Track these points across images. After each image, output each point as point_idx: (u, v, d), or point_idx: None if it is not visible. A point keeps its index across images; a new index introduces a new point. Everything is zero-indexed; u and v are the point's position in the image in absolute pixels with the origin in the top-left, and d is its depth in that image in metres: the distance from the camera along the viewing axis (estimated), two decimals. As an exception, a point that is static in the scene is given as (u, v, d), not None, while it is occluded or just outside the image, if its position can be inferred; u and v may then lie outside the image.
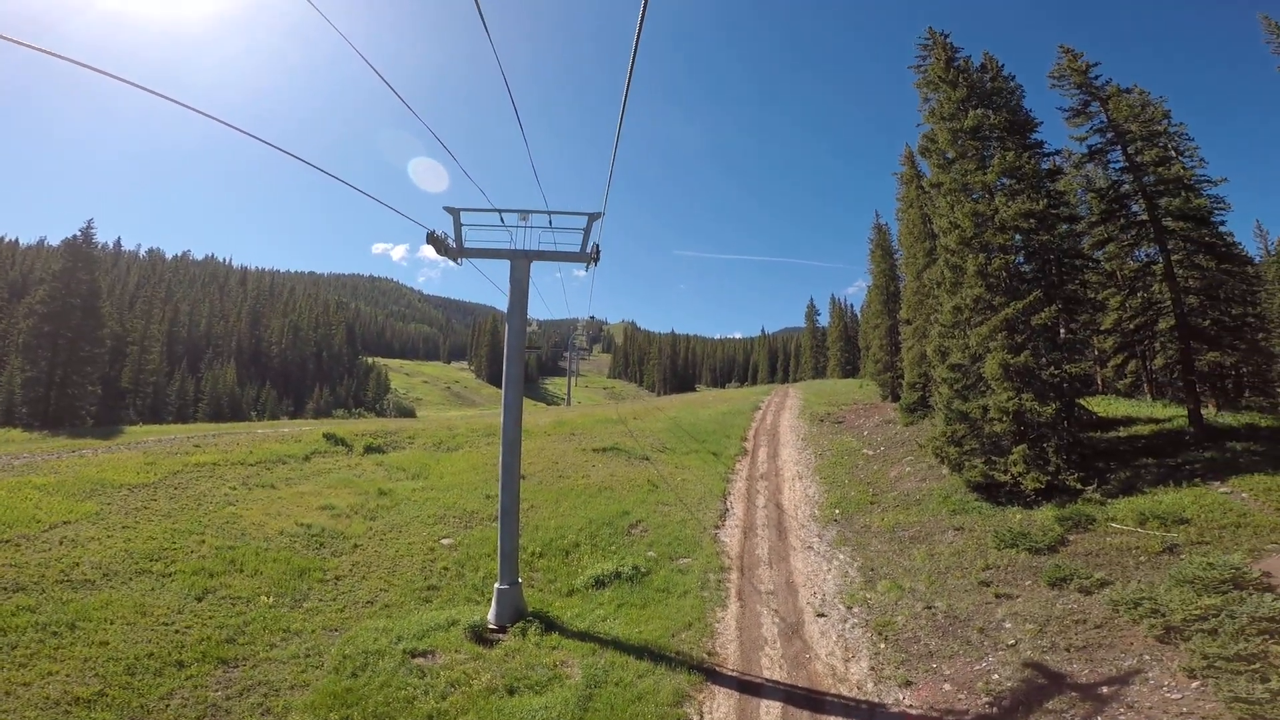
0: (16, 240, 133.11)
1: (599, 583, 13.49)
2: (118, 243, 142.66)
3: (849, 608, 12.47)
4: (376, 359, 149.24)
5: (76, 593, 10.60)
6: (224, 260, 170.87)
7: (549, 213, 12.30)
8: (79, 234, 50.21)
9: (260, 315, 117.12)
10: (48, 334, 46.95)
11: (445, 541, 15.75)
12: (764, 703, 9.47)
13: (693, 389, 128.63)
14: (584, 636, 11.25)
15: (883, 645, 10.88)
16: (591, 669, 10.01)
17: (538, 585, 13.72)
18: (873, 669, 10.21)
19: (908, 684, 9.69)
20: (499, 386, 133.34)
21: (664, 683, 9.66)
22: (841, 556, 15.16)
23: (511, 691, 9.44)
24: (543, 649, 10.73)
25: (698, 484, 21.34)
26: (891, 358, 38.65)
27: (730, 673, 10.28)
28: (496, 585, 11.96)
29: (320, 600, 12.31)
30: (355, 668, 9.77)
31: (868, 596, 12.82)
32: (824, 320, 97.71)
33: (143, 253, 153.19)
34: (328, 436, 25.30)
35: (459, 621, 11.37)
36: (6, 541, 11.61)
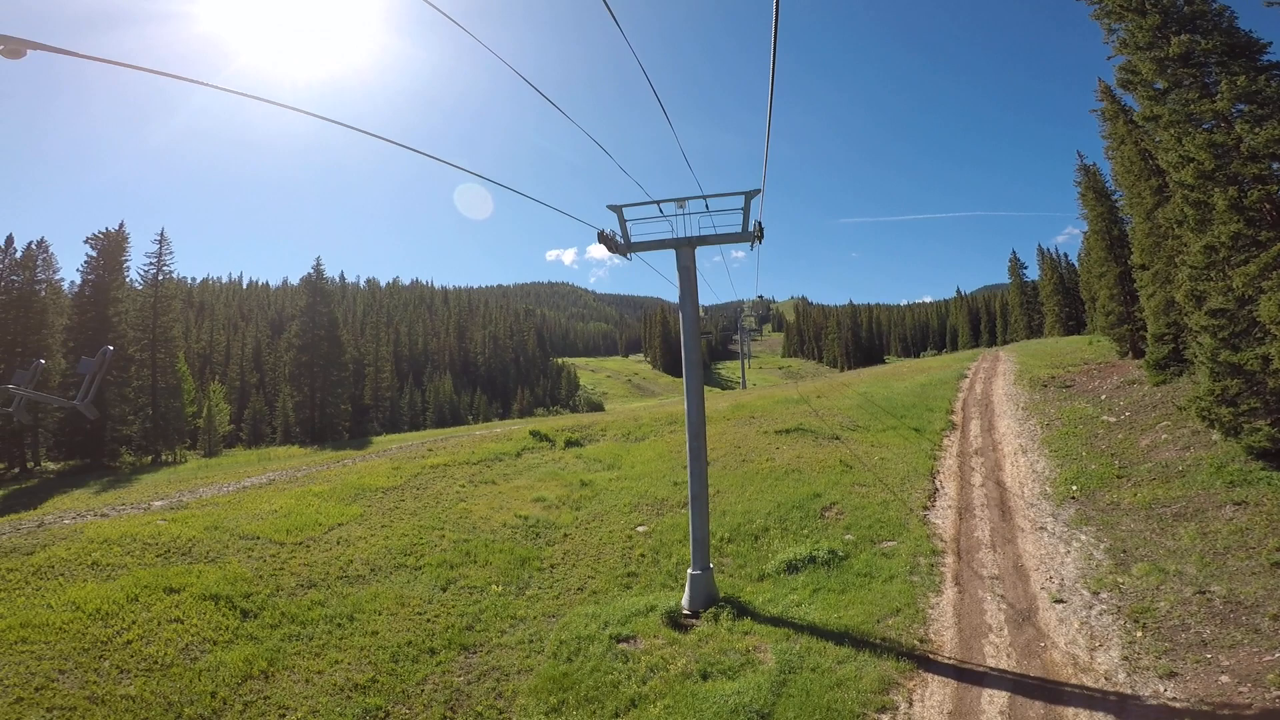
0: (267, 283, 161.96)
1: (791, 567, 13.22)
2: (341, 276, 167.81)
3: (1094, 593, 10.96)
4: (564, 359, 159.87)
5: (352, 587, 12.46)
6: (428, 283, 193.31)
7: (704, 197, 12.26)
8: (312, 271, 59.65)
9: (465, 329, 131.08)
10: (305, 363, 56.66)
11: (641, 529, 16.34)
12: (987, 692, 8.67)
13: (880, 361, 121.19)
14: (777, 622, 11.10)
15: (1139, 633, 9.43)
16: (785, 654, 9.86)
17: (728, 570, 13.76)
18: (1126, 658, 8.90)
19: (1171, 675, 8.30)
20: (675, 375, 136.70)
21: (867, 669, 9.23)
22: (1083, 537, 13.36)
23: (705, 676, 9.56)
24: (735, 634, 10.76)
25: (899, 463, 20.02)
26: (1126, 308, 33.13)
27: (946, 660, 9.55)
28: (689, 571, 12.15)
29: (539, 588, 13.36)
30: (570, 653, 10.42)
31: (1119, 581, 11.17)
32: (1032, 273, 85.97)
33: (362, 283, 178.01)
34: (533, 434, 27.62)
35: (656, 607, 11.72)
36: (299, 544, 14.05)
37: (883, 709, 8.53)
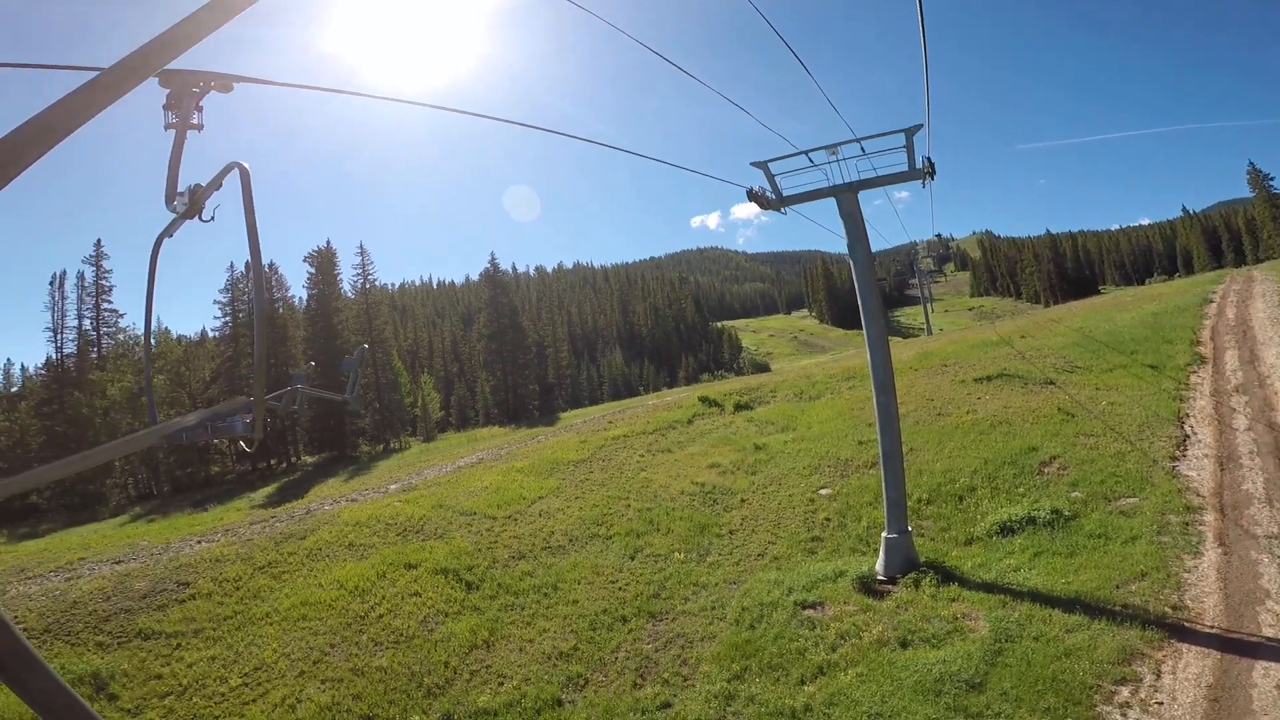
0: (453, 281, 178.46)
1: (1005, 529, 12.02)
2: (513, 267, 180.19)
3: None
4: (723, 322, 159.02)
5: (554, 557, 13.36)
6: (588, 264, 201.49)
7: (859, 140, 11.42)
8: (489, 266, 64.71)
9: (627, 303, 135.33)
10: (495, 350, 62.10)
11: (823, 492, 15.80)
12: (1261, 664, 7.31)
13: (1094, 292, 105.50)
14: (990, 588, 10.19)
15: None
16: (1001, 622, 9.02)
17: (928, 534, 12.85)
18: None
19: None
20: (845, 328, 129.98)
21: (1103, 639, 8.15)
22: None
23: (905, 644, 9.03)
24: (939, 601, 10.04)
25: (1134, 407, 17.26)
26: None
27: (1208, 629, 8.20)
28: (884, 535, 11.57)
29: (719, 554, 13.40)
30: (752, 619, 10.33)
31: None
32: (1280, 184, 70.98)
33: (531, 271, 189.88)
34: (702, 399, 27.82)
35: (846, 572, 11.28)
36: (509, 517, 15.44)
37: (1122, 680, 7.53)
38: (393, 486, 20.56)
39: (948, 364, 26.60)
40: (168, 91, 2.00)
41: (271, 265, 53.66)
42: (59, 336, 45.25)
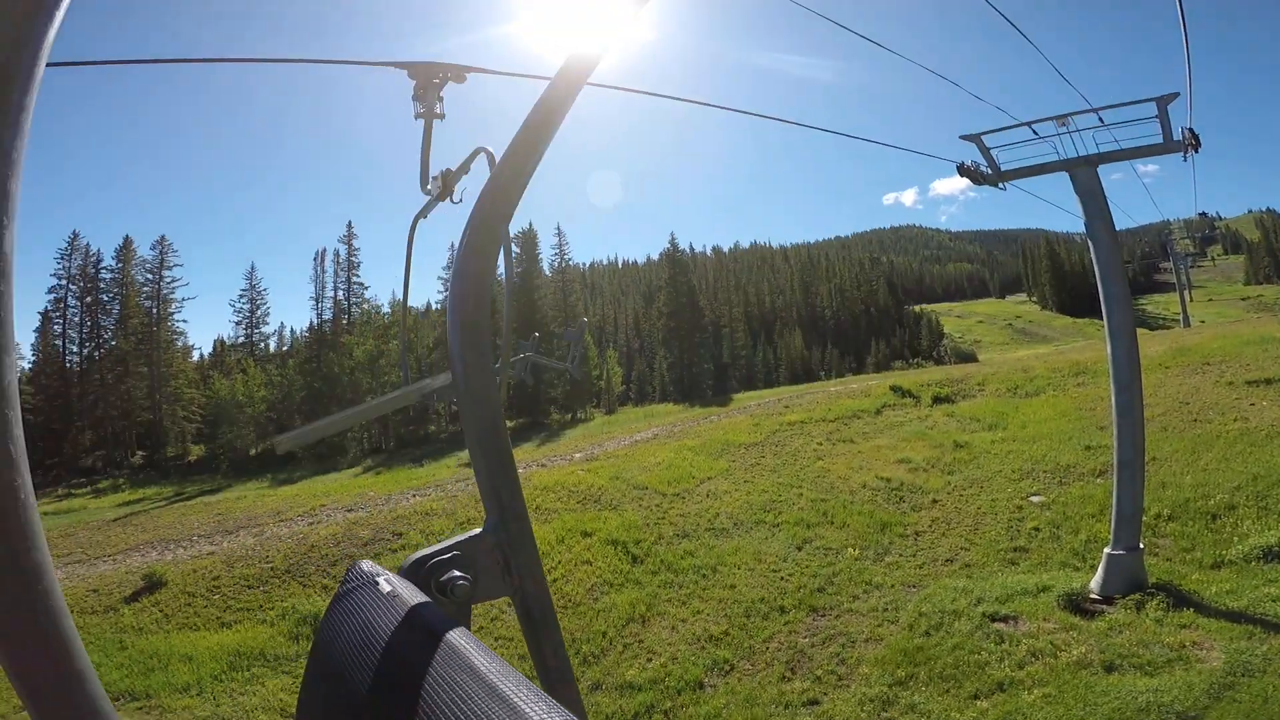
0: (636, 260, 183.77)
1: (1270, 555, 10.33)
2: (691, 247, 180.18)
3: None
4: (921, 306, 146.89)
5: (717, 539, 13.26)
6: (765, 243, 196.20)
7: (1095, 110, 10.29)
8: (669, 246, 65.72)
9: (808, 284, 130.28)
10: (673, 329, 63.32)
11: (1035, 499, 14.09)
12: None
13: None
14: (1235, 617, 8.77)
15: None
16: (1242, 655, 7.81)
17: (1163, 554, 11.23)
18: None
19: None
20: (1073, 316, 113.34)
21: None
22: None
23: (1110, 669, 8.05)
24: (1166, 626, 8.80)
25: None
26: None
27: None
28: (1107, 550, 10.34)
29: (900, 555, 12.56)
30: (929, 626, 9.64)
31: None
32: None
33: (708, 251, 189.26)
34: (894, 389, 25.85)
35: (1051, 588, 10.17)
36: (677, 495, 15.63)
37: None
38: (577, 455, 21.69)
39: (1210, 362, 22.00)
40: (414, 83, 2.20)
41: (491, 244, 59.33)
42: (319, 305, 54.50)
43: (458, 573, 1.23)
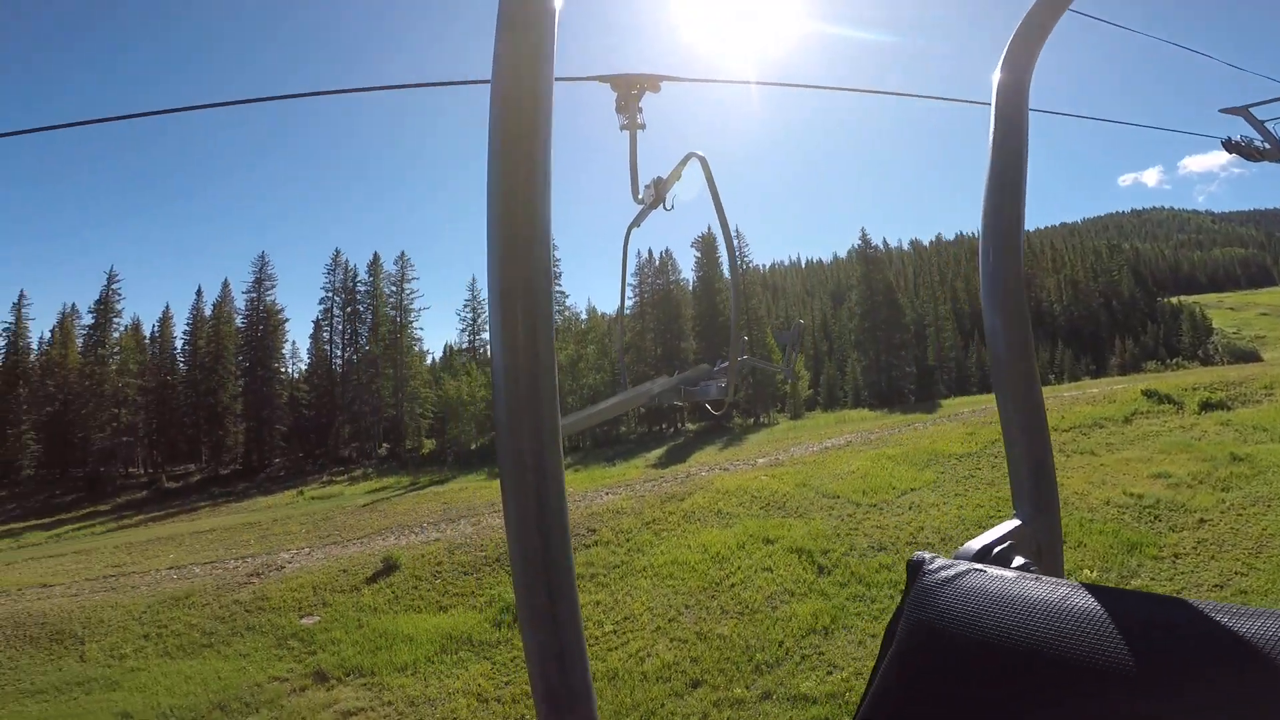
0: (821, 259, 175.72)
1: None
2: (884, 241, 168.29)
3: None
4: (1180, 298, 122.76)
5: None
6: (972, 234, 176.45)
7: None
8: (859, 242, 61.84)
9: (1031, 277, 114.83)
10: (867, 329, 59.43)
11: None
12: None
13: None
14: None
15: None
16: None
17: None
18: None
19: None
20: None
21: None
22: None
23: None
24: None
25: None
26: None
27: None
28: None
29: (1151, 578, 10.80)
30: None
31: None
32: None
33: (905, 245, 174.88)
34: (1148, 394, 21.73)
35: None
36: (873, 505, 14.46)
37: None
38: (761, 460, 21.19)
39: None
40: (615, 95, 2.24)
41: (666, 251, 60.83)
42: (527, 313, 59.52)
43: (1021, 559, 1.20)
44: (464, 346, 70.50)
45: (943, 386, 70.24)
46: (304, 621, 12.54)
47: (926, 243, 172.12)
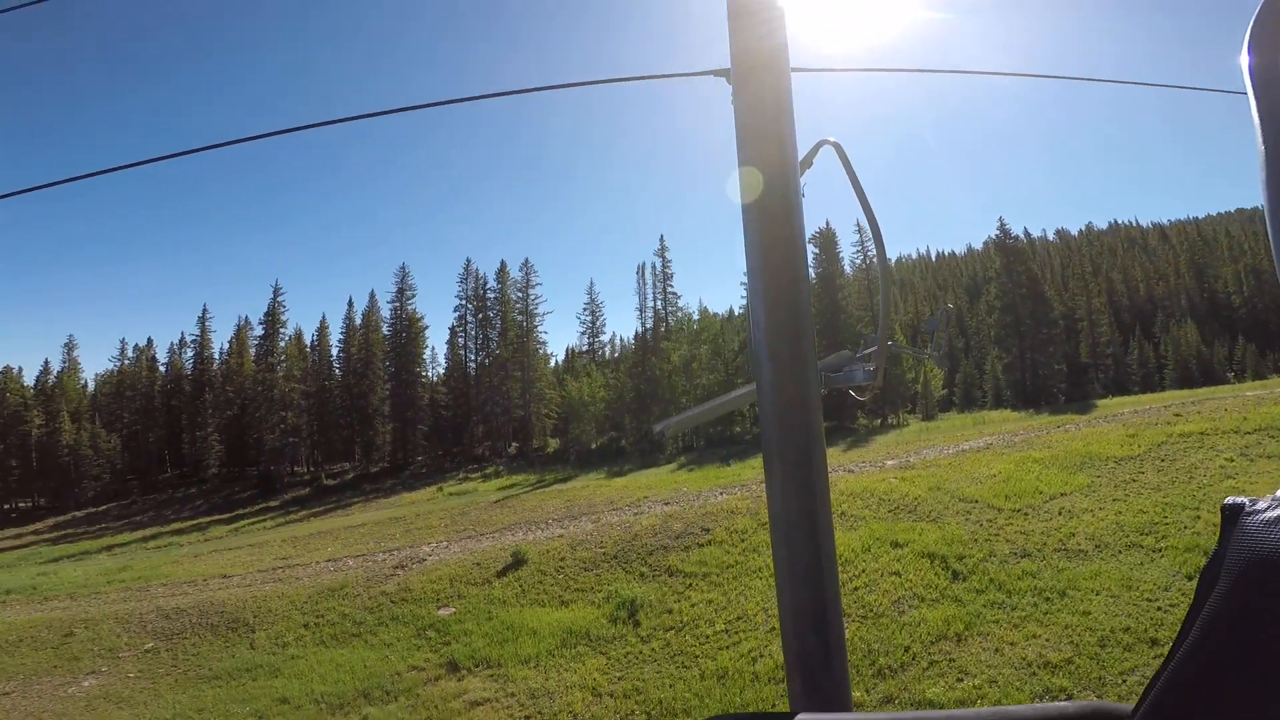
0: (953, 252, 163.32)
1: None
2: (1025, 231, 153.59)
3: None
4: None
5: (1069, 562, 11.00)
6: (1129, 222, 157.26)
7: None
8: (997, 233, 56.83)
9: (1202, 267, 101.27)
10: (1009, 324, 54.63)
11: None
12: None
13: None
14: None
15: None
16: None
17: None
18: None
19: None
20: None
21: None
22: None
23: None
24: None
25: None
26: None
27: None
28: None
29: None
30: None
31: None
32: None
33: (1050, 235, 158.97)
34: (1359, 393, 18.38)
35: None
36: (1016, 510, 13.28)
37: None
38: (889, 463, 20.22)
39: None
40: (730, 88, 2.22)
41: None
42: (642, 314, 60.55)
43: None
44: (584, 349, 72.86)
45: (1098, 385, 63.29)
46: (441, 613, 13.41)
47: (1075, 232, 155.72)
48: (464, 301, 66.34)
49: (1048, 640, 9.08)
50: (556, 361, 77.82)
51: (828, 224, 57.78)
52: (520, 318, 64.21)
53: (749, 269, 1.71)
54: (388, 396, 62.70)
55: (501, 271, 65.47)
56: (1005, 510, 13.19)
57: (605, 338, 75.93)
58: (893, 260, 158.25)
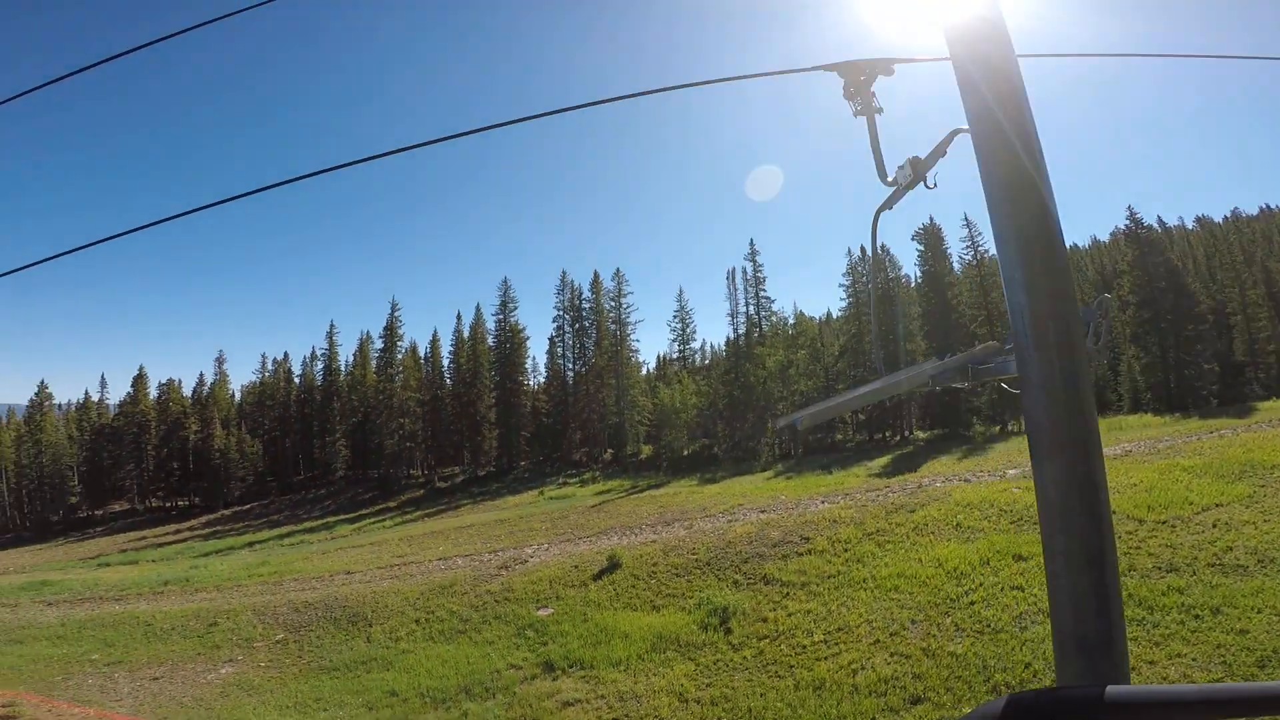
0: (1075, 244, 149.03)
1: None
2: (1159, 220, 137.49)
3: None
4: None
5: (1225, 578, 9.77)
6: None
7: None
8: (1127, 222, 51.58)
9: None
10: (1146, 321, 49.39)
11: None
12: None
13: None
14: None
15: None
16: None
17: None
18: None
19: None
20: None
21: None
22: None
23: None
24: None
25: None
26: None
27: None
28: None
29: None
30: None
31: None
32: None
33: (1188, 223, 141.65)
34: None
35: None
36: (1162, 523, 11.90)
37: None
38: (1011, 472, 18.87)
39: None
40: (843, 82, 2.26)
41: (883, 247, 56.79)
42: (734, 320, 59.72)
43: None
44: (675, 356, 72.83)
45: (1257, 386, 55.82)
46: (540, 613, 13.70)
47: (1219, 219, 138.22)
48: (561, 312, 68.27)
49: (1194, 659, 8.25)
50: (648, 369, 78.32)
51: (931, 220, 54.74)
52: (613, 326, 65.19)
53: (1003, 259, 1.69)
54: (493, 404, 65.43)
55: (595, 282, 66.84)
56: (1148, 522, 11.90)
57: (696, 345, 75.67)
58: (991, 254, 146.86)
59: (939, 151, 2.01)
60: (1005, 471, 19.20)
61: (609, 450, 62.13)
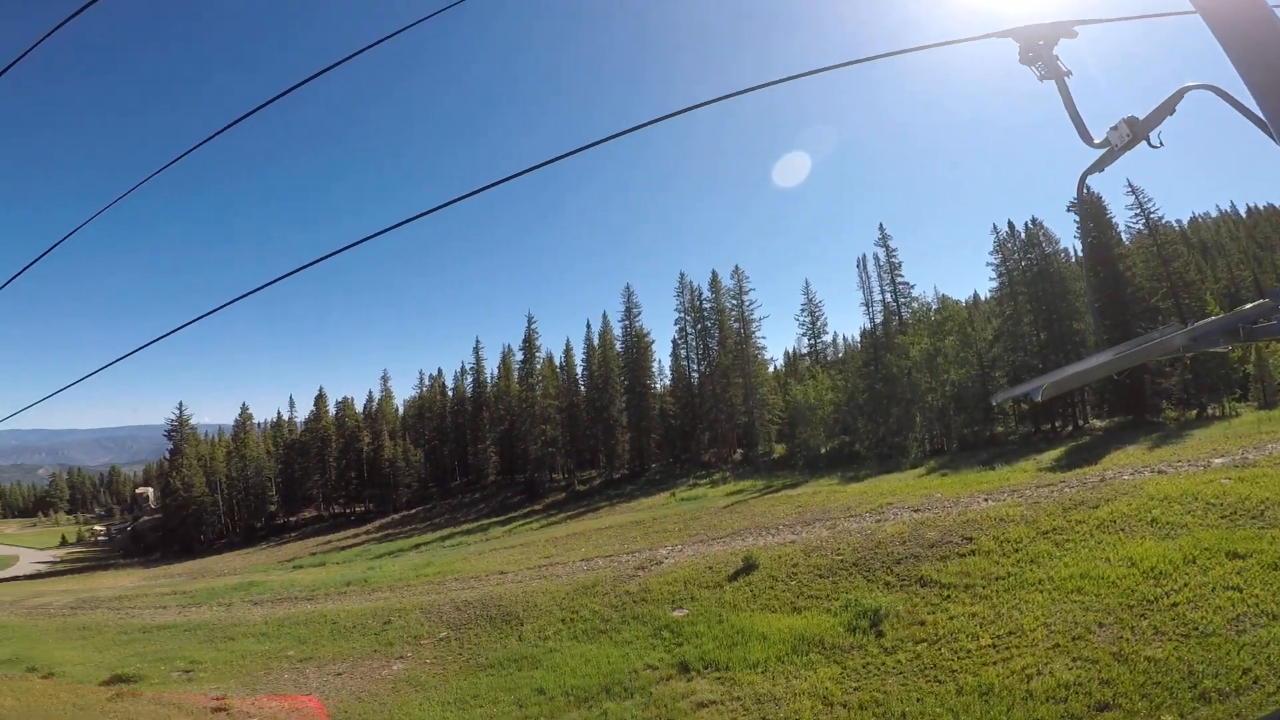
0: (1271, 204, 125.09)
1: None
2: None
3: None
4: None
5: None
6: None
7: None
8: None
9: None
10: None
11: None
12: None
13: None
14: None
15: None
16: None
17: None
18: None
19: None
20: None
21: None
22: None
23: None
24: None
25: None
26: None
27: None
28: None
29: None
30: None
31: None
32: None
33: None
34: None
35: None
36: None
37: None
38: (1217, 460, 16.29)
39: None
40: (1018, 48, 2.19)
41: (1034, 220, 51.24)
42: (869, 309, 56.44)
43: None
44: (804, 351, 70.22)
45: None
46: (675, 614, 13.57)
47: None
48: (682, 314, 68.37)
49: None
50: (777, 366, 76.24)
51: (1089, 190, 48.44)
52: (737, 325, 64.14)
53: None
54: (625, 408, 66.84)
55: (714, 281, 66.25)
56: None
57: (827, 338, 72.53)
58: (1183, 221, 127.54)
59: (1166, 109, 1.87)
60: (1210, 460, 16.50)
61: (739, 450, 61.16)
